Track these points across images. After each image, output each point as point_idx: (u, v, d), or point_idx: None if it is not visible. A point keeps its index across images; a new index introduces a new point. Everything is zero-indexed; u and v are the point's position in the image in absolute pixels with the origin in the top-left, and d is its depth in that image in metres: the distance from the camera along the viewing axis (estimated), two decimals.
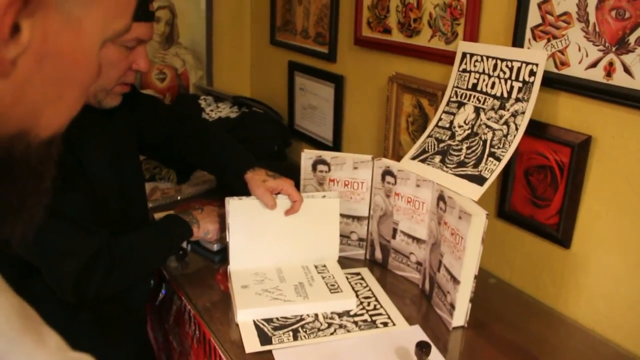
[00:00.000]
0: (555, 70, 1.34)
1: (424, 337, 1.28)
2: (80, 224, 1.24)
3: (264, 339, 1.27)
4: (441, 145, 1.50)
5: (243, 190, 1.52)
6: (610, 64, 1.21)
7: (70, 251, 1.21)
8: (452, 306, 1.33)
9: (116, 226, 1.33)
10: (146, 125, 1.56)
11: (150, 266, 1.45)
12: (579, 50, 1.27)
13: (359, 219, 1.64)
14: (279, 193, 1.50)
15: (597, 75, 1.25)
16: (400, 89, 1.82)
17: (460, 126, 1.48)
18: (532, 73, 1.34)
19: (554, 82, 1.34)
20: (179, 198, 2.03)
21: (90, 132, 1.29)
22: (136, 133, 1.52)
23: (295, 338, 1.28)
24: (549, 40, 1.34)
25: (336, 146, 2.22)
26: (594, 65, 1.25)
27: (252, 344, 1.26)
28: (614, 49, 1.20)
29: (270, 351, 1.24)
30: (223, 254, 1.58)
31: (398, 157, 1.72)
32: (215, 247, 1.62)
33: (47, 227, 1.16)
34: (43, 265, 1.22)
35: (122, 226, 1.35)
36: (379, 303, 1.43)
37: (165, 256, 1.49)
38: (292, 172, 1.61)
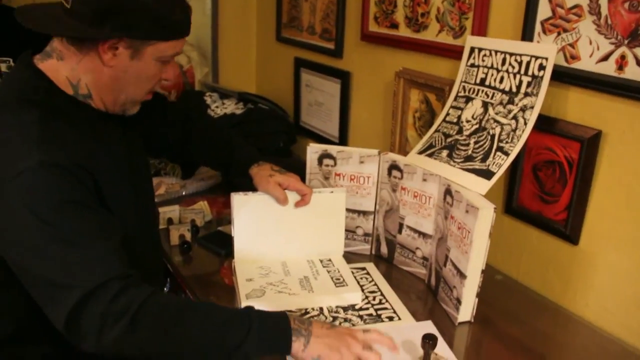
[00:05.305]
0: (565, 64, 1.32)
1: (430, 331, 1.27)
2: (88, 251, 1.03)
3: None
4: (448, 139, 1.49)
5: (248, 186, 1.50)
6: (622, 57, 1.20)
7: (68, 283, 1.01)
8: (459, 301, 1.31)
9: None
10: (154, 128, 1.53)
11: (181, 353, 1.05)
12: (590, 43, 1.26)
13: (364, 213, 1.63)
14: (286, 189, 1.48)
15: (608, 68, 1.23)
16: (407, 84, 1.81)
17: (468, 121, 1.47)
18: (542, 67, 1.33)
19: (564, 76, 1.33)
20: (183, 193, 2.03)
21: (106, 147, 1.21)
22: (144, 135, 1.47)
23: None
24: (559, 34, 1.32)
25: (342, 142, 2.21)
26: (605, 58, 1.24)
27: None
28: (626, 42, 1.19)
29: None
30: (228, 248, 1.56)
31: (404, 154, 1.71)
32: None
33: (48, 254, 1.01)
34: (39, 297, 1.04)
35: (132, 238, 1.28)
36: (385, 297, 1.42)
37: (212, 354, 1.06)
38: (297, 169, 1.60)
